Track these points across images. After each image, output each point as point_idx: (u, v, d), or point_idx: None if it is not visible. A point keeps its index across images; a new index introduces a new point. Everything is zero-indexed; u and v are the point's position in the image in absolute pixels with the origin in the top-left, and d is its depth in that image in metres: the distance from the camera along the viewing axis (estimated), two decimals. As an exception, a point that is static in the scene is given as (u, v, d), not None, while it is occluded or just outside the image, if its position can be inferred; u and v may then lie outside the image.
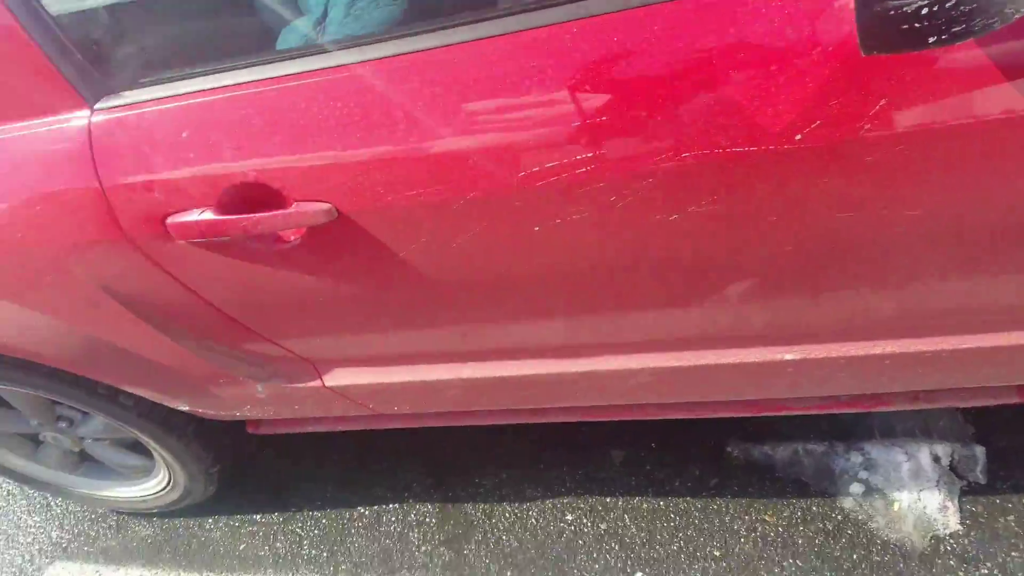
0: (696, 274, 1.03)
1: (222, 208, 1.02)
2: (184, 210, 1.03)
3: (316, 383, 1.34)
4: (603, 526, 1.54)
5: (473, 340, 1.21)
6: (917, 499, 1.41)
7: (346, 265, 1.08)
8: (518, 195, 0.93)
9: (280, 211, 1.00)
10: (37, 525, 1.99)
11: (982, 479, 1.42)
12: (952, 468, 1.44)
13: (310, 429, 1.59)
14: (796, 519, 1.47)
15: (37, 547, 1.94)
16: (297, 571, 1.68)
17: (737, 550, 1.45)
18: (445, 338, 1.21)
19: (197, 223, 1.03)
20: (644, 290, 1.07)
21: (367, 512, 1.73)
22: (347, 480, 1.82)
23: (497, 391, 1.33)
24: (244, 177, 0.99)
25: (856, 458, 1.50)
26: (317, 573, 1.66)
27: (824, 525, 1.45)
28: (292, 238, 1.04)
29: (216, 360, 1.31)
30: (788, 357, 1.15)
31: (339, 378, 1.32)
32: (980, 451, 1.44)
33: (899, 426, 1.52)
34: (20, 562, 1.91)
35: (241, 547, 1.78)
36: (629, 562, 1.48)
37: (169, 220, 1.04)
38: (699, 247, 0.98)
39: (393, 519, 1.70)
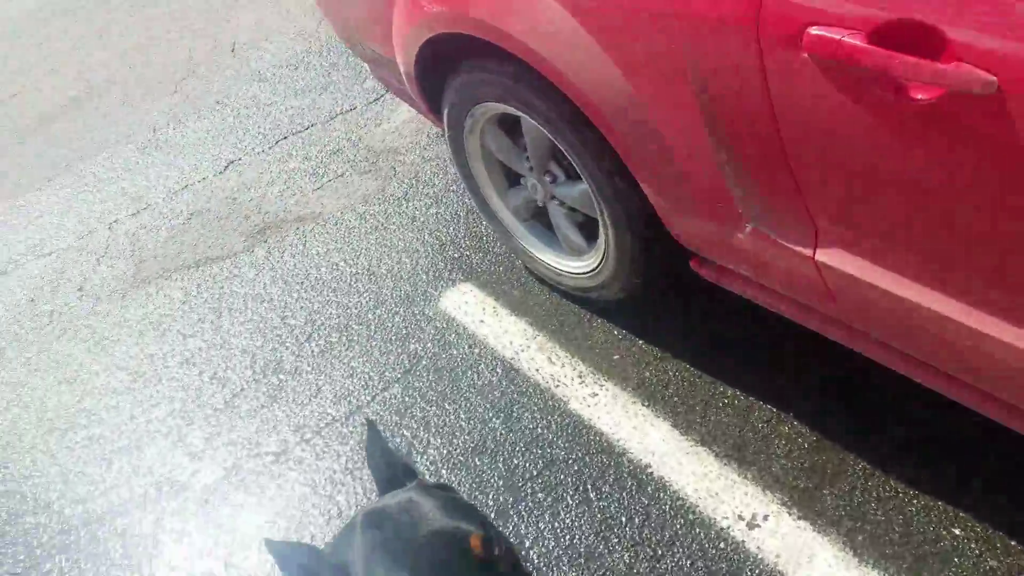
0: None
1: (870, 38, 0.97)
2: (831, 26, 1.01)
3: (807, 251, 1.30)
4: (992, 563, 1.34)
5: None
6: None
7: (965, 150, 0.98)
8: None
9: (938, 63, 0.93)
10: (464, 246, 2.33)
11: None
12: None
13: (749, 296, 1.58)
14: None
15: (453, 265, 2.28)
16: (632, 405, 1.75)
17: None
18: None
19: (839, 43, 0.99)
20: None
21: (743, 397, 1.71)
22: (749, 357, 1.78)
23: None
24: (917, 17, 0.93)
25: None
26: (665, 418, 1.71)
27: None
28: (923, 97, 0.97)
29: (730, 182, 1.33)
30: None
31: (837, 260, 1.26)
32: None
33: None
34: (429, 276, 2.27)
35: (614, 358, 1.90)
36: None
37: (811, 29, 1.02)
38: None
39: (765, 418, 1.66)
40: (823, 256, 1.28)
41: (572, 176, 1.80)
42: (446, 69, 1.83)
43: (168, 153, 3.40)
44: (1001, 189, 0.98)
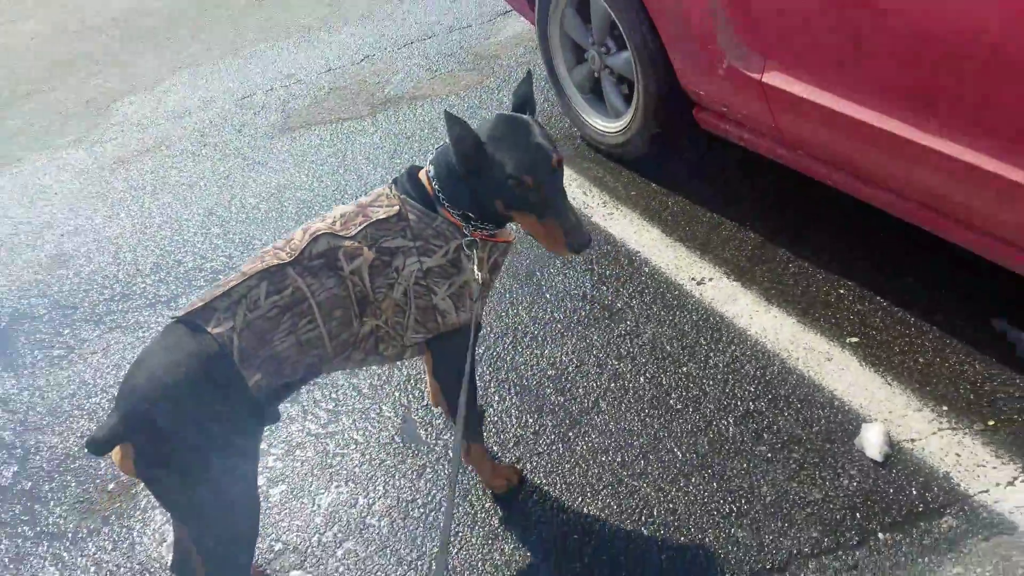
0: None
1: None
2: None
3: (756, 76, 1.89)
4: (859, 307, 1.90)
5: (926, 97, 1.55)
6: None
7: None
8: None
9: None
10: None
11: None
12: None
13: (731, 136, 2.17)
14: None
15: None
16: (637, 220, 2.36)
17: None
18: (901, 86, 1.57)
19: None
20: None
21: (717, 216, 2.31)
22: (729, 192, 2.39)
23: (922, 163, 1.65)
24: None
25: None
26: (656, 225, 2.32)
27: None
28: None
29: (719, 26, 1.93)
30: None
31: (778, 79, 1.85)
32: None
33: None
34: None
35: (631, 193, 2.52)
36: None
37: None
38: None
39: (729, 229, 2.25)
40: (767, 78, 1.87)
41: (620, 48, 2.43)
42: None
43: (318, 47, 4.22)
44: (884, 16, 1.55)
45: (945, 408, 1.64)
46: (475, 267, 1.39)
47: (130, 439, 1.20)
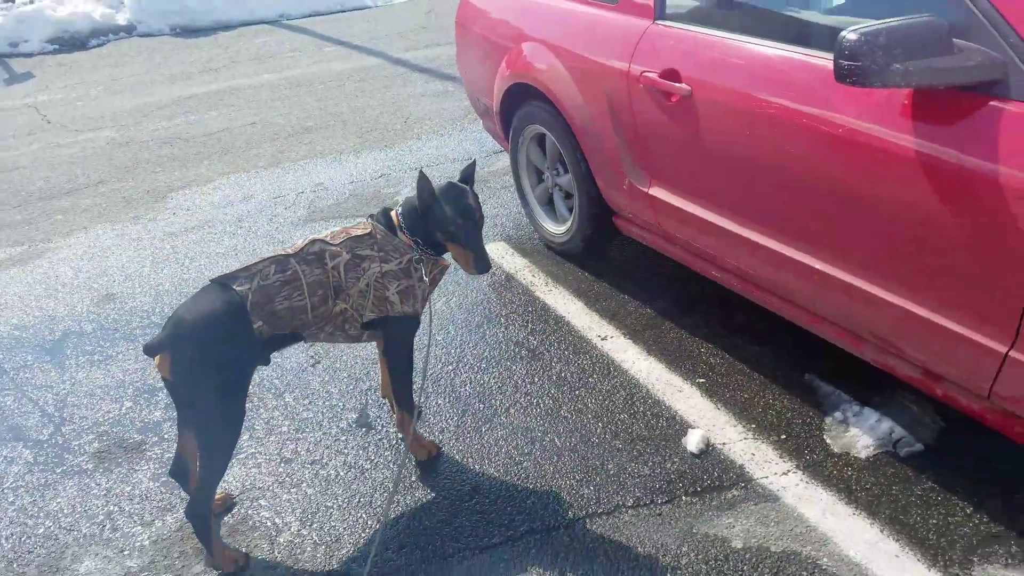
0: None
1: (660, 75, 2.39)
2: (651, 72, 2.43)
3: (645, 189, 2.63)
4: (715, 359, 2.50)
5: (743, 203, 2.31)
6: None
7: (690, 119, 2.34)
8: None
9: (677, 83, 2.32)
10: (504, 220, 3.75)
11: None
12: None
13: (635, 236, 2.89)
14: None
15: (486, 229, 3.70)
16: (566, 291, 3.03)
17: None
18: (727, 196, 2.34)
19: (652, 78, 2.41)
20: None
21: (627, 297, 2.97)
22: (647, 281, 3.07)
23: (746, 249, 2.38)
24: (674, 66, 2.34)
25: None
26: (579, 297, 2.98)
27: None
28: (675, 98, 2.35)
29: (622, 155, 2.70)
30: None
31: (658, 192, 2.59)
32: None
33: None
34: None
35: (566, 267, 3.21)
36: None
37: (644, 74, 2.45)
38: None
39: (638, 302, 2.91)
40: (653, 191, 2.61)
41: (566, 171, 3.22)
42: (513, 107, 3.36)
43: (346, 166, 5.13)
44: (714, 139, 2.31)
45: (753, 426, 2.23)
46: (423, 274, 2.06)
47: (169, 349, 1.82)
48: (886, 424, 2.14)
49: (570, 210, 3.28)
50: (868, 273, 1.89)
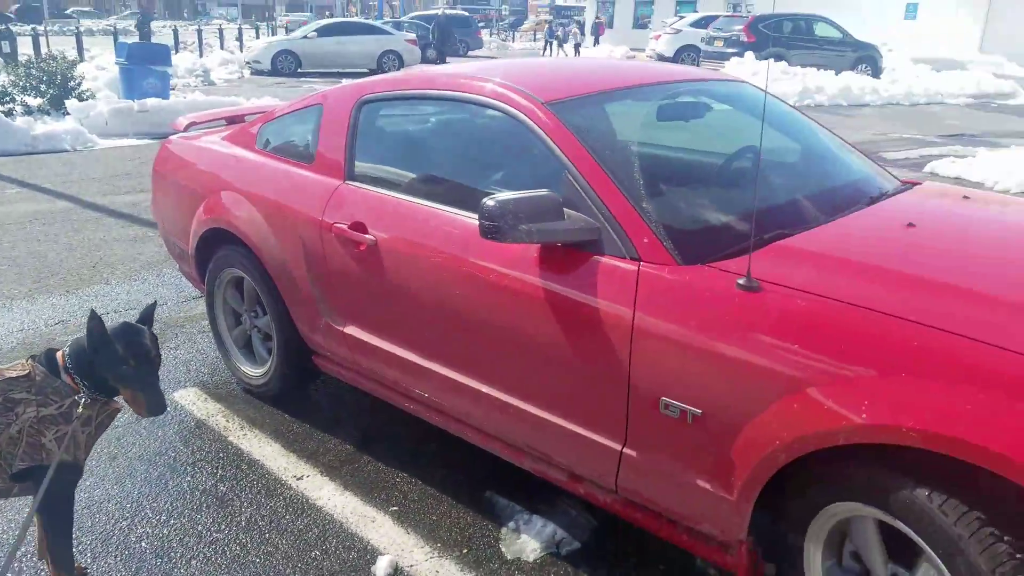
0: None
1: (350, 227, 2.64)
2: (338, 224, 2.68)
3: (341, 328, 2.80)
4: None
5: (422, 338, 2.56)
6: None
7: (379, 266, 2.59)
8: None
9: (365, 234, 2.59)
10: (200, 367, 3.64)
11: None
12: None
13: (333, 372, 3.01)
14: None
15: (178, 375, 3.57)
16: (264, 436, 3.01)
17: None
18: (409, 331, 2.58)
19: (342, 229, 2.66)
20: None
21: (332, 439, 3.03)
22: (347, 419, 3.14)
23: (427, 378, 2.61)
24: (359, 219, 2.62)
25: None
26: (280, 442, 2.97)
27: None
28: (363, 246, 2.61)
29: (316, 296, 2.86)
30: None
31: (352, 330, 2.76)
32: None
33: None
34: (168, 380, 3.55)
35: (265, 410, 3.18)
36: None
37: (336, 224, 2.69)
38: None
39: (341, 444, 2.97)
40: (347, 329, 2.79)
41: (264, 313, 3.28)
42: (210, 251, 3.39)
43: (13, 312, 4.58)
44: (396, 281, 2.57)
45: (439, 545, 2.38)
46: (82, 421, 1.94)
47: None
48: (550, 527, 2.42)
49: (269, 352, 3.31)
50: (516, 391, 2.24)
